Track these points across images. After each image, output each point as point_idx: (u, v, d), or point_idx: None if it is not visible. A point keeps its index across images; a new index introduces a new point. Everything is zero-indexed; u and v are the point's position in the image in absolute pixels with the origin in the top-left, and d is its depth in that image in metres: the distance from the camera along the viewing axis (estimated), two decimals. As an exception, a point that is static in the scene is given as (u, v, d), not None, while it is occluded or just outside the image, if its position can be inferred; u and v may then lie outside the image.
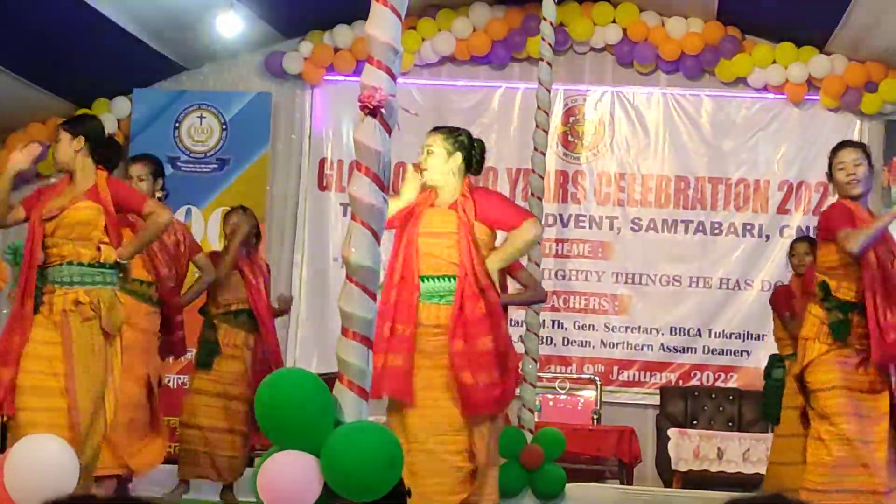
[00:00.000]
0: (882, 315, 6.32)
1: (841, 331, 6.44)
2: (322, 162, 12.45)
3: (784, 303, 8.77)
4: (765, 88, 12.06)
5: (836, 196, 6.84)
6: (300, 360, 11.74)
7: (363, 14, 4.48)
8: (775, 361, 8.89)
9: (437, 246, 6.24)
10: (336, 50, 12.22)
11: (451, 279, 6.18)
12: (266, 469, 4.15)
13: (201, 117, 12.27)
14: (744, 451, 9.92)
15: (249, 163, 12.15)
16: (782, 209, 11.99)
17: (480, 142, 6.58)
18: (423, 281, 6.21)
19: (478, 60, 12.33)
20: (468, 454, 6.18)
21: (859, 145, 7.03)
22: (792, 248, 9.18)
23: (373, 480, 4.16)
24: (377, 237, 4.44)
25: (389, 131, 4.48)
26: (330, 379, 4.39)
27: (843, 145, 6.92)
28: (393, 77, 4.45)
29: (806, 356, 6.54)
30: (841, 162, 6.68)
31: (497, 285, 6.39)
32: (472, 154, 6.43)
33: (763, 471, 9.34)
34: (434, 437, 6.13)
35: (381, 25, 4.43)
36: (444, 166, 6.32)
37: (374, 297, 4.43)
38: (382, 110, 4.40)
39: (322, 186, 12.37)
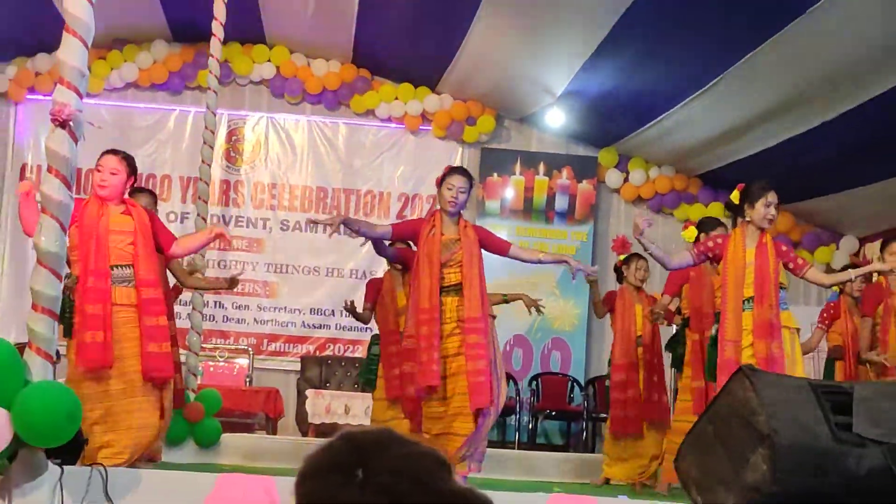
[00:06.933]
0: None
1: None
2: (23, 167, 11.92)
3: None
4: (388, 119, 12.30)
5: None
6: (1, 332, 11.22)
7: (60, 43, 4.37)
8: (375, 339, 8.89)
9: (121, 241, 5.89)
10: (37, 73, 11.74)
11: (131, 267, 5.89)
12: (-38, 421, 4.00)
13: (-85, 128, 11.62)
14: (365, 408, 10.06)
15: (-42, 166, 11.58)
16: (400, 215, 12.24)
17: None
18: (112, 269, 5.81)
19: (157, 87, 12.09)
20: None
21: (467, 174, 6.75)
22: None
23: (56, 430, 4.08)
24: (63, 228, 4.35)
25: (76, 141, 4.40)
26: (24, 346, 4.27)
27: (456, 171, 6.73)
28: (80, 95, 4.37)
29: None
30: (450, 184, 6.59)
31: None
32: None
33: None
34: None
35: (71, 52, 4.35)
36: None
37: (60, 277, 4.34)
38: (70, 123, 4.32)
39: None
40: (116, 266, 5.71)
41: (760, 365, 6.33)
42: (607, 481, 8.53)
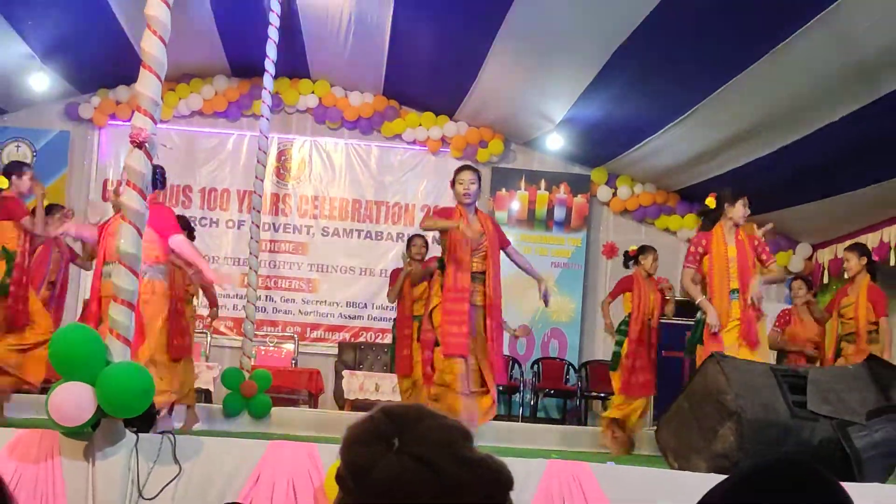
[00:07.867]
0: None
1: None
2: (105, 182, 11.98)
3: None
4: (413, 142, 12.30)
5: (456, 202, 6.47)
6: (84, 321, 11.28)
7: (137, 77, 4.41)
8: (395, 324, 8.85)
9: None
10: (118, 103, 11.82)
11: None
12: (55, 395, 4.04)
13: (18, 146, 11.73)
14: (393, 386, 10.08)
15: (53, 180, 11.62)
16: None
17: (161, 168, 6.15)
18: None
19: (218, 115, 12.13)
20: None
21: (473, 168, 6.58)
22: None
23: (133, 403, 4.10)
24: (140, 232, 4.37)
25: (151, 159, 4.43)
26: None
27: (463, 168, 6.55)
28: (154, 121, 4.39)
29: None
30: (461, 179, 6.39)
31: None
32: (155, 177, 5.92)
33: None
34: None
35: (147, 85, 4.37)
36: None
37: (137, 274, 4.36)
38: (146, 144, 4.34)
39: (105, 198, 11.90)
40: (108, 263, 5.68)
41: (744, 343, 6.50)
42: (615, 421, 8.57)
